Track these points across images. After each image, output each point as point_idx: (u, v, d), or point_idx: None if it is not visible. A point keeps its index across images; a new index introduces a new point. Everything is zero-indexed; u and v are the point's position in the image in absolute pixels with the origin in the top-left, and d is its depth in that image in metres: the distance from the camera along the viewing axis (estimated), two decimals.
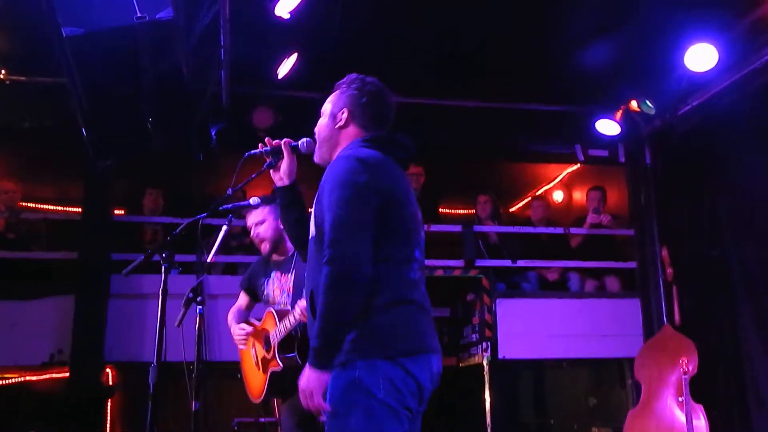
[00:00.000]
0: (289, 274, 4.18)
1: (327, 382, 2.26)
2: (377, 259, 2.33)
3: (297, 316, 3.75)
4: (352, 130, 2.64)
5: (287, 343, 3.92)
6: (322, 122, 2.71)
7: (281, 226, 3.88)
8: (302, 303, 3.61)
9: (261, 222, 4.30)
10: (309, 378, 2.26)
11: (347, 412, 2.24)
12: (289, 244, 4.19)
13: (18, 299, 6.16)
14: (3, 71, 6.11)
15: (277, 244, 4.28)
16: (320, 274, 2.29)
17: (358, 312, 2.26)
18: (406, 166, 2.66)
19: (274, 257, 4.33)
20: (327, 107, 2.72)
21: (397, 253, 2.40)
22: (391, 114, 2.72)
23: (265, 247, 4.32)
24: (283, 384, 3.99)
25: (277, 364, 3.93)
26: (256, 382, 4.24)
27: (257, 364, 4.25)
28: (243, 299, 4.57)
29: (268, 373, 4.06)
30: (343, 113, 2.65)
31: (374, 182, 2.38)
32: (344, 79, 2.74)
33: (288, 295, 4.14)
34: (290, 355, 3.90)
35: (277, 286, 4.26)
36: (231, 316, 4.49)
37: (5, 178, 7.06)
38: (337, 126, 2.65)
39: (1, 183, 6.89)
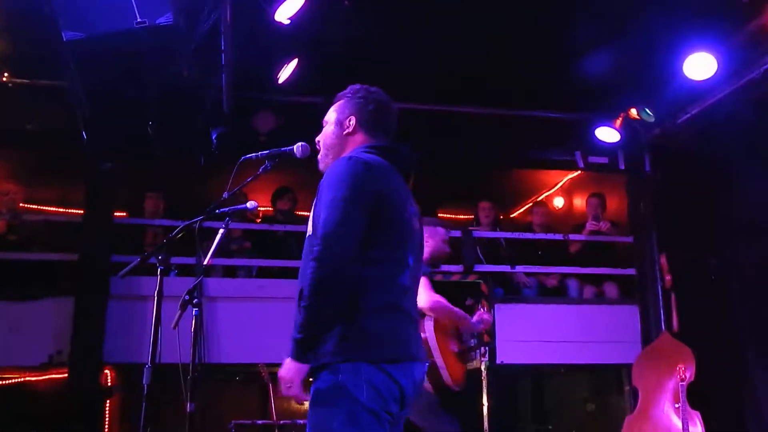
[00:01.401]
0: None
1: (305, 372, 2.31)
2: (370, 260, 2.36)
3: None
4: (359, 137, 2.68)
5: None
6: (328, 130, 2.74)
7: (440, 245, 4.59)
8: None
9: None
10: (289, 369, 2.31)
11: (330, 415, 2.26)
12: None
13: (18, 300, 6.19)
14: (6, 74, 6.16)
15: (435, 261, 4.63)
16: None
17: (338, 312, 2.31)
18: (407, 176, 2.69)
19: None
20: (332, 116, 2.75)
21: (390, 256, 2.43)
22: (395, 123, 2.76)
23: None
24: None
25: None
26: (458, 369, 4.62)
27: (457, 354, 4.66)
28: None
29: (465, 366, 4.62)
30: (350, 120, 2.69)
31: (372, 184, 2.41)
32: (348, 89, 2.77)
33: None
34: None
35: None
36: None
37: (6, 179, 7.11)
38: (344, 133, 2.69)
39: (2, 185, 6.93)
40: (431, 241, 4.50)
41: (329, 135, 2.72)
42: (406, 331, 2.41)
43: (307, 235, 2.53)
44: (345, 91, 2.77)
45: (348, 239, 2.31)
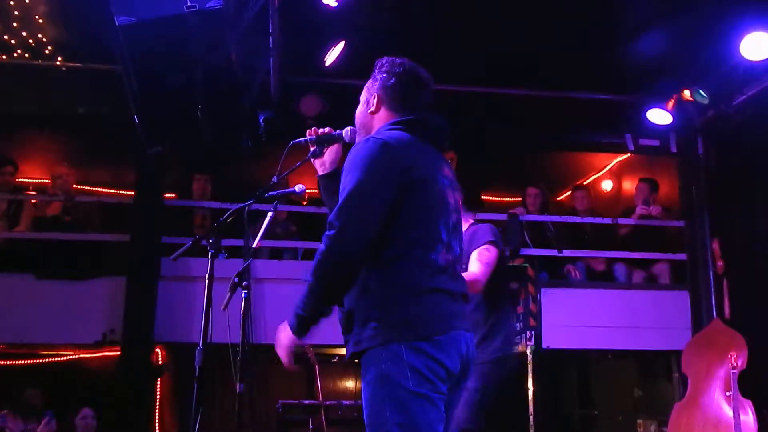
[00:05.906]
0: None
1: (295, 343, 2.44)
2: (396, 240, 2.35)
3: None
4: (383, 114, 2.62)
5: None
6: (359, 109, 2.72)
7: None
8: None
9: None
10: (284, 334, 2.44)
11: (381, 405, 2.27)
12: None
13: (72, 279, 6.36)
14: (59, 59, 6.29)
15: None
16: None
17: (341, 295, 2.39)
18: (442, 146, 2.64)
19: None
20: (363, 94, 2.72)
21: (418, 236, 2.38)
22: (425, 95, 2.66)
23: None
24: None
25: None
26: None
27: None
28: None
29: None
30: (374, 98, 2.64)
31: (392, 165, 2.37)
32: (376, 64, 2.71)
33: None
34: None
35: None
36: None
37: (60, 162, 7.26)
38: (369, 111, 2.65)
39: (56, 168, 7.09)
40: None
41: (358, 115, 2.71)
42: (441, 308, 2.37)
43: None
44: (373, 68, 2.71)
45: (361, 227, 2.30)
